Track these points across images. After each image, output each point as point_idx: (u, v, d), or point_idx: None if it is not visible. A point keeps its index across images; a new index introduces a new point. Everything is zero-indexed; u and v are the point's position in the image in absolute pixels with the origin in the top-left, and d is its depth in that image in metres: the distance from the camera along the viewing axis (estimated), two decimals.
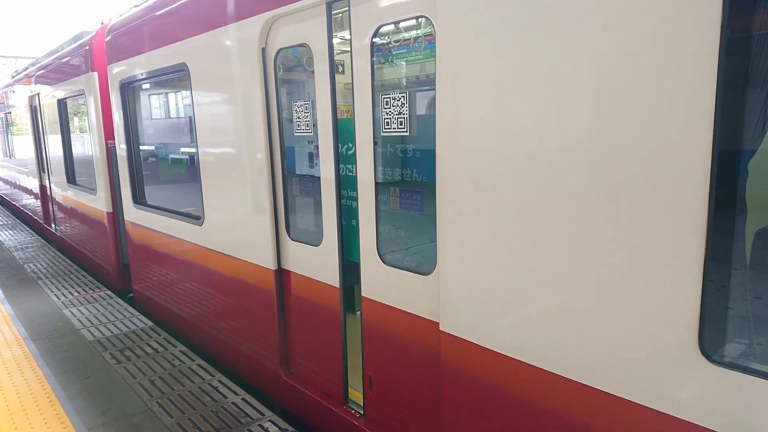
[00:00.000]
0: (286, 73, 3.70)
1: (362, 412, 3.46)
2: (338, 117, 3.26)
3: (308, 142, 3.65)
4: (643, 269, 1.86)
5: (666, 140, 1.74)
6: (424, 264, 2.92)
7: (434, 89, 2.53)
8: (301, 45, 3.40)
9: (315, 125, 3.39)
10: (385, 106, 2.93)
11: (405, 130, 2.86)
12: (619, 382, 1.99)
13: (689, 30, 1.66)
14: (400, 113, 2.87)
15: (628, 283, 1.91)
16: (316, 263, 3.57)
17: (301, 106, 3.49)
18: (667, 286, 1.81)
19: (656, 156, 1.77)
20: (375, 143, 3.01)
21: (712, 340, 1.78)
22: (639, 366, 1.92)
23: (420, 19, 2.72)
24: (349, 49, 3.05)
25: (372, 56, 2.94)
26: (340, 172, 3.32)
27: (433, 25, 2.58)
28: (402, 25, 2.84)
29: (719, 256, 1.78)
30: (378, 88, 2.98)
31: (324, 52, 3.16)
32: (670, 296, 1.80)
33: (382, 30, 2.87)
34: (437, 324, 2.79)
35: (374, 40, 2.91)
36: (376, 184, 3.05)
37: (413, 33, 2.86)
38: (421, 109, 2.88)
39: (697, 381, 1.77)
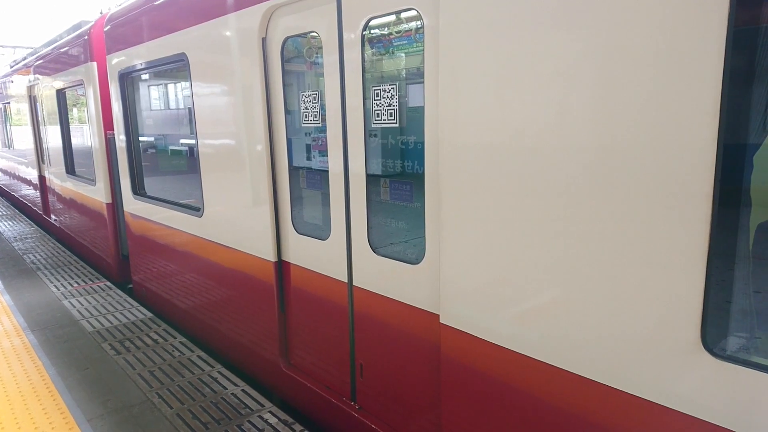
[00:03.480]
0: (288, 64, 3.67)
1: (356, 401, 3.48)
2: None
3: (306, 134, 3.63)
4: (645, 262, 1.85)
5: (670, 133, 1.73)
6: (413, 254, 2.93)
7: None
8: (309, 34, 3.36)
9: (323, 117, 3.37)
10: (376, 98, 2.93)
11: (395, 121, 2.86)
12: (622, 375, 1.98)
13: (694, 23, 1.64)
14: (390, 105, 2.86)
15: (631, 277, 1.90)
16: (323, 257, 3.56)
17: (309, 96, 3.46)
18: (669, 279, 1.80)
19: (660, 149, 1.76)
20: (372, 135, 3.02)
21: (714, 334, 1.78)
22: (641, 359, 1.92)
23: (410, 12, 2.70)
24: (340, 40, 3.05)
25: (363, 48, 2.93)
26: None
27: (422, 18, 2.57)
28: (392, 18, 2.84)
29: (722, 250, 1.77)
30: (368, 80, 2.98)
31: (334, 41, 3.14)
32: (673, 290, 1.80)
33: (372, 23, 2.87)
34: (429, 313, 2.81)
35: (364, 32, 2.90)
36: (367, 175, 3.07)
37: (403, 26, 2.85)
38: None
39: (699, 375, 1.77)
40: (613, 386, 2.01)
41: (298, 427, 3.63)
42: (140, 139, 5.94)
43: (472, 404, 2.60)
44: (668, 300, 1.82)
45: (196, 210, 4.80)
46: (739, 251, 1.80)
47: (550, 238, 2.13)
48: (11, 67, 12.29)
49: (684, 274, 1.76)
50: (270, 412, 3.81)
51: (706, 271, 1.71)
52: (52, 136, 9.05)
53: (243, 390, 4.13)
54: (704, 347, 1.75)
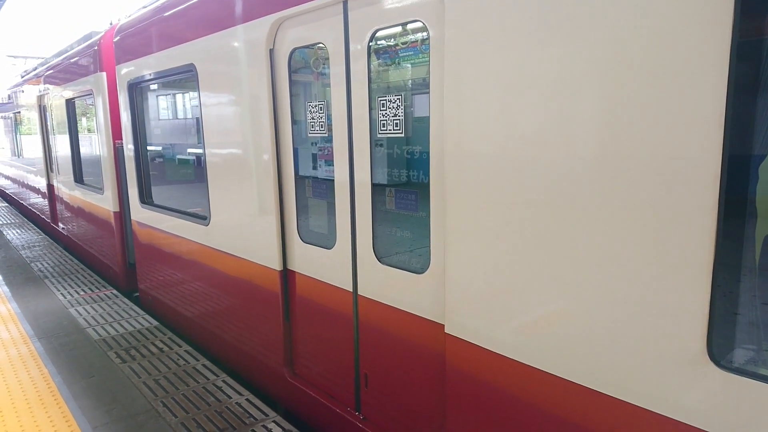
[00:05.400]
0: (294, 74, 3.71)
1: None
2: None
3: (313, 143, 3.66)
4: (651, 273, 1.85)
5: (675, 144, 1.73)
6: (418, 263, 2.93)
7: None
8: (316, 45, 3.40)
9: (330, 126, 3.40)
10: (381, 108, 2.95)
11: (401, 131, 2.88)
12: (628, 387, 1.97)
13: (700, 33, 1.65)
14: (395, 115, 2.88)
15: (637, 288, 1.90)
16: (328, 266, 3.57)
17: (315, 106, 3.49)
18: (675, 290, 1.80)
19: (665, 159, 1.76)
20: (378, 145, 3.04)
21: (721, 345, 1.77)
22: (647, 371, 1.91)
23: (416, 23, 2.73)
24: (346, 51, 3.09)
25: (369, 59, 2.96)
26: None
27: (428, 30, 2.60)
28: (398, 30, 2.86)
29: (728, 261, 1.76)
30: (374, 91, 3.01)
31: (340, 52, 3.17)
32: (679, 301, 1.79)
33: (378, 33, 2.91)
34: (434, 322, 2.80)
35: (371, 43, 2.93)
36: (373, 184, 3.09)
37: (409, 37, 2.87)
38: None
39: (705, 386, 1.76)
40: (619, 397, 2.00)
41: None
42: (148, 148, 5.99)
43: (478, 415, 2.59)
44: (674, 311, 1.81)
45: (203, 219, 4.82)
46: (745, 262, 1.79)
47: (555, 247, 2.13)
48: (22, 77, 12.44)
49: (689, 285, 1.76)
50: (274, 422, 3.80)
51: (712, 283, 1.71)
52: (61, 145, 9.14)
53: (247, 399, 4.13)
54: (710, 359, 1.74)
